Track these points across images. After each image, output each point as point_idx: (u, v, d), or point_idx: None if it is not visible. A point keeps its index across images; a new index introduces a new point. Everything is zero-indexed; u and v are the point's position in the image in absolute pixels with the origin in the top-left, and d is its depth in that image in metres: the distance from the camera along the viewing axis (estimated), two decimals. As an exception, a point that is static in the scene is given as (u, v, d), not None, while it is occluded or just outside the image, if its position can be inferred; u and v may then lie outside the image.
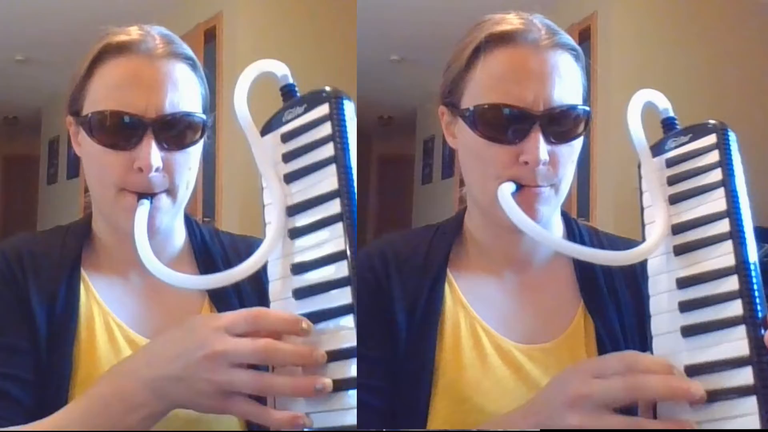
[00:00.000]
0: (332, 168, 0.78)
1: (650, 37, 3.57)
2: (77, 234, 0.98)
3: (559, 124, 0.88)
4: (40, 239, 0.98)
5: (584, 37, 3.68)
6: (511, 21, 0.92)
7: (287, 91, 0.85)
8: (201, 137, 0.94)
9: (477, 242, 1.00)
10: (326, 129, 0.79)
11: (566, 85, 0.89)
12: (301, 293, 0.77)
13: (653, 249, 0.81)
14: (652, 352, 0.81)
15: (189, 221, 1.03)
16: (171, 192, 0.92)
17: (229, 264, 1.00)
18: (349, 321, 0.73)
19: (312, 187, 0.80)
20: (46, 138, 6.65)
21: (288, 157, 0.82)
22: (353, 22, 3.48)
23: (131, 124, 0.89)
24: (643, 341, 0.83)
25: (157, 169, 0.89)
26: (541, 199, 0.89)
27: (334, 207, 0.77)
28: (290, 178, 0.82)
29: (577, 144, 0.91)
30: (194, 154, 0.94)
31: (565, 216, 1.01)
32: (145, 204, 0.89)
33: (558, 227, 1.00)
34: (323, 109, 0.80)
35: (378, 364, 0.92)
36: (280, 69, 0.85)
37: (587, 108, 0.91)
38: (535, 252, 0.98)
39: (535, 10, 0.94)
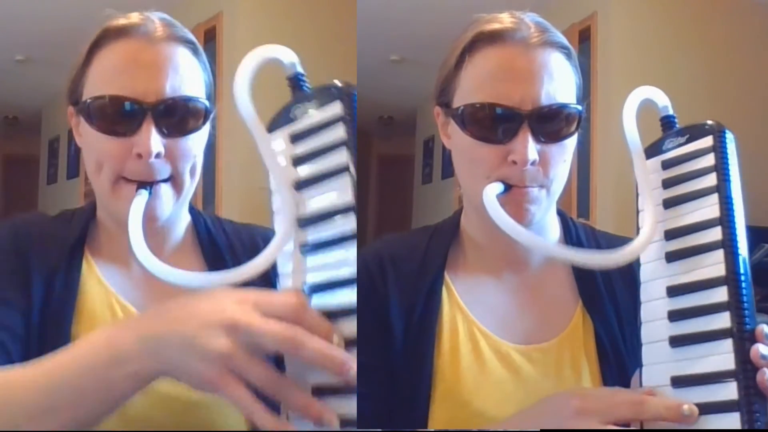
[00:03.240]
0: (348, 178, 0.73)
1: (650, 37, 3.56)
2: (83, 217, 0.97)
3: (549, 122, 0.87)
4: (49, 219, 0.98)
5: (584, 37, 3.68)
6: (501, 20, 0.91)
7: (295, 82, 0.79)
8: (204, 124, 0.92)
9: (474, 243, 0.99)
10: (340, 131, 0.74)
11: (556, 83, 0.88)
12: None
13: (640, 251, 0.79)
14: (641, 361, 0.80)
15: (192, 209, 1.02)
16: (174, 180, 0.90)
17: (234, 253, 0.99)
18: (352, 354, 0.69)
19: (326, 197, 0.74)
20: (46, 138, 6.64)
21: (299, 162, 0.77)
22: (353, 22, 3.48)
23: (130, 109, 0.87)
24: (637, 333, 0.82)
25: (157, 155, 0.87)
26: (530, 199, 0.88)
27: (350, 223, 0.72)
28: (302, 185, 0.76)
29: (570, 144, 0.90)
30: (197, 141, 0.92)
31: (562, 215, 1.01)
32: (143, 194, 0.86)
33: (554, 227, 0.99)
34: (335, 108, 0.74)
35: (374, 371, 0.90)
36: (286, 56, 0.78)
37: (579, 107, 0.90)
38: (532, 252, 0.97)
39: (535, 10, 0.94)
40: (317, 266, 0.74)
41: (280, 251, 0.74)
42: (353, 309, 0.70)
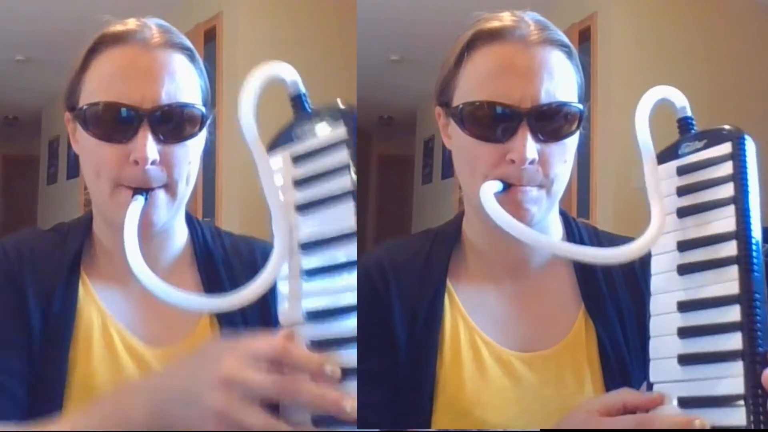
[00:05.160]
0: (351, 203, 0.72)
1: (650, 37, 3.56)
2: (78, 234, 0.96)
3: (549, 121, 0.86)
4: (42, 237, 0.97)
5: (584, 37, 3.67)
6: (501, 18, 0.90)
7: (298, 101, 0.78)
8: (200, 130, 0.91)
9: (475, 248, 0.98)
10: (344, 155, 0.73)
11: (556, 81, 0.87)
12: (315, 346, 0.72)
13: (646, 248, 0.77)
14: (649, 376, 0.78)
15: (191, 220, 1.01)
16: (169, 187, 0.89)
17: (230, 269, 0.98)
18: (351, 388, 0.69)
19: (330, 222, 0.73)
20: (46, 138, 6.63)
21: (301, 184, 0.76)
22: (353, 22, 3.47)
23: (126, 116, 0.86)
24: (644, 345, 0.81)
25: (153, 162, 0.86)
26: (529, 199, 0.87)
27: (351, 250, 0.71)
28: (303, 208, 0.75)
29: (570, 143, 0.89)
30: (193, 148, 0.91)
31: (564, 215, 1.00)
32: (139, 200, 0.85)
33: (557, 228, 0.98)
34: (340, 130, 0.74)
35: (378, 380, 0.90)
36: (289, 74, 0.78)
37: (580, 106, 0.88)
38: (533, 255, 0.96)
39: (534, 10, 0.93)
40: (317, 291, 0.73)
41: (275, 276, 0.74)
42: (353, 337, 0.70)
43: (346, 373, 0.69)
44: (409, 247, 1.00)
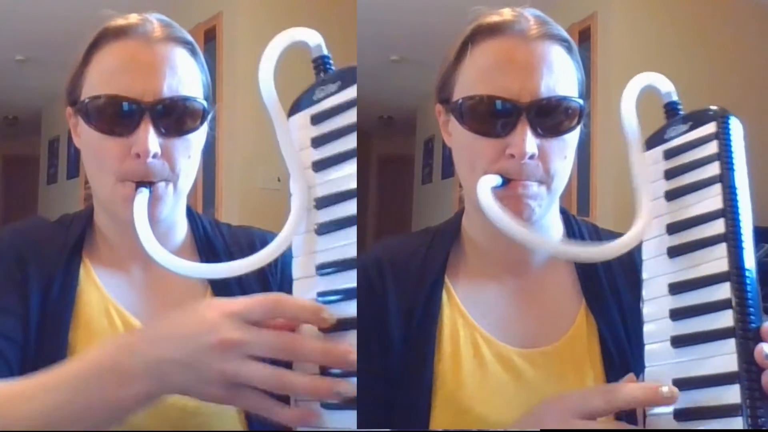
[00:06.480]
0: (353, 163, 0.74)
1: (650, 37, 3.56)
2: (80, 222, 0.97)
3: (548, 116, 0.85)
4: (47, 225, 0.98)
5: (584, 37, 3.67)
6: (501, 13, 0.90)
7: (320, 64, 0.78)
8: (201, 124, 0.92)
9: (475, 245, 0.98)
10: (353, 116, 0.75)
11: (556, 76, 0.86)
12: (322, 295, 0.73)
13: (636, 239, 0.77)
14: (643, 362, 0.78)
15: (190, 212, 1.01)
16: (171, 180, 0.90)
17: (231, 255, 0.99)
18: (352, 336, 0.70)
19: (343, 179, 0.75)
20: (46, 138, 6.63)
21: (318, 142, 0.77)
22: (353, 22, 3.47)
23: (128, 109, 0.87)
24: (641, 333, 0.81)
25: (155, 155, 0.87)
26: (529, 194, 0.86)
27: (351, 208, 0.73)
28: (319, 166, 0.76)
29: (571, 138, 0.89)
30: (194, 141, 0.92)
31: (565, 213, 0.99)
32: (144, 192, 0.86)
33: (557, 226, 0.98)
34: (353, 91, 0.75)
35: (373, 376, 0.89)
36: (312, 38, 0.78)
37: (580, 101, 0.88)
38: (534, 252, 0.95)
39: (534, 9, 0.94)
40: (330, 246, 0.74)
41: (293, 234, 0.75)
42: (351, 291, 0.71)
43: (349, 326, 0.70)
44: (407, 245, 0.99)
